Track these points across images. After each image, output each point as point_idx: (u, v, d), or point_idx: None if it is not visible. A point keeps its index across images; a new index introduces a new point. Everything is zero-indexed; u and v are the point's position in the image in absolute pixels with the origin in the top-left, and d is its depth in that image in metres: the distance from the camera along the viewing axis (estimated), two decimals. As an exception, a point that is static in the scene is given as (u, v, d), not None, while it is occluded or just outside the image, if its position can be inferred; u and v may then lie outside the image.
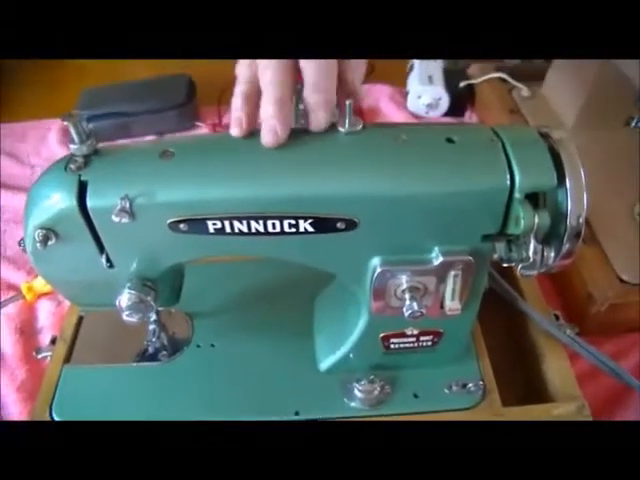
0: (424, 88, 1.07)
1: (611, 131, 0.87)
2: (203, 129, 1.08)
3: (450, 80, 1.08)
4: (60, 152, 1.03)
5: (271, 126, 0.44)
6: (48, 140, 1.09)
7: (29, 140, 1.11)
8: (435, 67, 1.10)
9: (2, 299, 0.79)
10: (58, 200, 0.45)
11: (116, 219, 0.44)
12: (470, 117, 1.10)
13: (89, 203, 0.44)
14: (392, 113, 1.11)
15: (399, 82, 1.15)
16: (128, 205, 0.44)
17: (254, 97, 0.46)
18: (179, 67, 1.07)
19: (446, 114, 1.09)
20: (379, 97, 1.15)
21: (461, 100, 1.08)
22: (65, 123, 0.43)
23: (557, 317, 0.65)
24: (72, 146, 0.45)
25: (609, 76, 0.84)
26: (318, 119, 0.45)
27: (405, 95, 1.11)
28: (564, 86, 0.95)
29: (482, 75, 1.07)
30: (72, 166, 0.45)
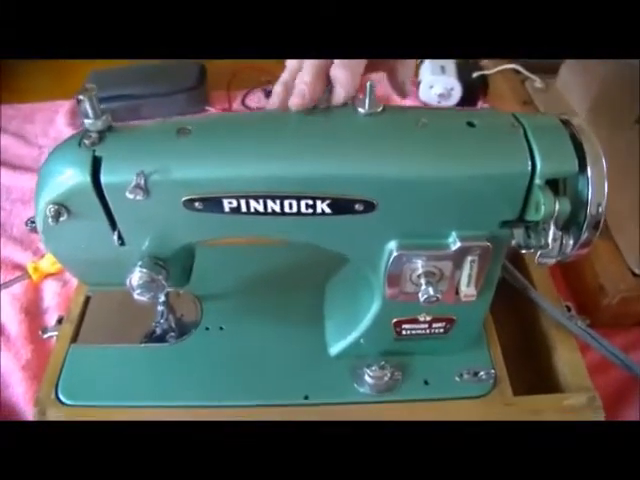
0: (436, 78, 1.06)
1: (623, 127, 0.87)
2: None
3: (463, 70, 1.07)
4: (68, 133, 1.02)
5: (301, 90, 0.45)
6: (56, 122, 1.09)
7: (37, 121, 1.10)
8: (448, 56, 1.09)
9: (8, 279, 0.79)
10: (71, 175, 0.44)
11: (130, 196, 0.43)
12: (482, 108, 1.09)
13: (103, 179, 0.44)
14: (403, 102, 1.10)
15: (411, 71, 1.14)
16: (143, 181, 0.43)
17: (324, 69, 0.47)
18: (190, 52, 1.06)
19: (458, 104, 1.07)
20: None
21: (473, 91, 1.08)
22: (80, 97, 0.43)
23: (569, 308, 0.65)
24: (87, 121, 0.44)
25: (622, 72, 0.84)
26: (339, 93, 0.46)
27: (417, 84, 1.10)
28: (577, 80, 0.94)
29: (495, 66, 1.06)
30: (86, 141, 0.45)
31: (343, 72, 0.45)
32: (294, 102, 0.46)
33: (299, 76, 0.46)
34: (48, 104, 1.12)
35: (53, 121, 1.09)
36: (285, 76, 0.49)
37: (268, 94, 1.12)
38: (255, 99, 1.13)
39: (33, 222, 0.51)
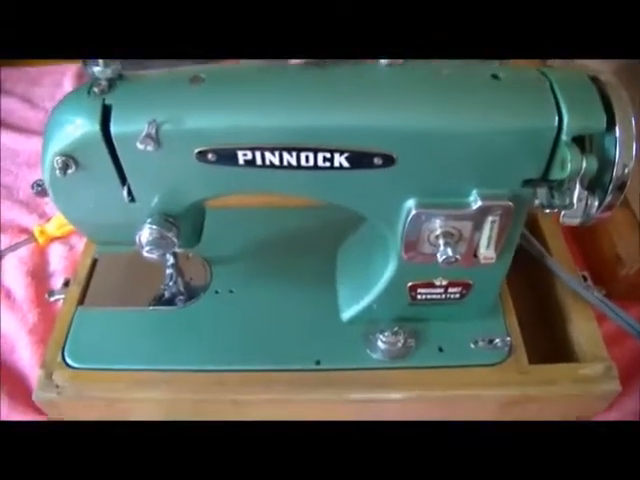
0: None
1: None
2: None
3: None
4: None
5: None
6: (63, 85, 1.08)
7: (44, 84, 1.09)
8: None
9: (14, 242, 0.79)
10: (80, 125, 0.43)
11: (141, 146, 0.42)
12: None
13: (113, 128, 0.43)
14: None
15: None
16: (154, 131, 0.41)
17: None
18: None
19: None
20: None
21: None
22: None
23: (585, 278, 0.64)
24: (96, 68, 0.43)
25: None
26: None
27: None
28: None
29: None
30: (95, 89, 0.43)
31: None
32: None
33: None
34: (55, 67, 1.10)
35: (60, 84, 1.08)
36: None
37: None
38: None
39: (39, 185, 0.50)
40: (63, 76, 1.09)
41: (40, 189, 0.65)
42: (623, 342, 0.65)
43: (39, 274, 0.76)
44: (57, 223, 0.79)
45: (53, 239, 0.79)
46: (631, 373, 0.63)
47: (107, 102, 0.43)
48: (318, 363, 0.56)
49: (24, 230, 0.81)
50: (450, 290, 0.55)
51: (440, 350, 0.57)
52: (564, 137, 0.42)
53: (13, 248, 0.78)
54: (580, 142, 0.43)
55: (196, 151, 0.43)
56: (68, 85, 1.07)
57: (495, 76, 0.44)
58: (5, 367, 0.66)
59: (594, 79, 0.44)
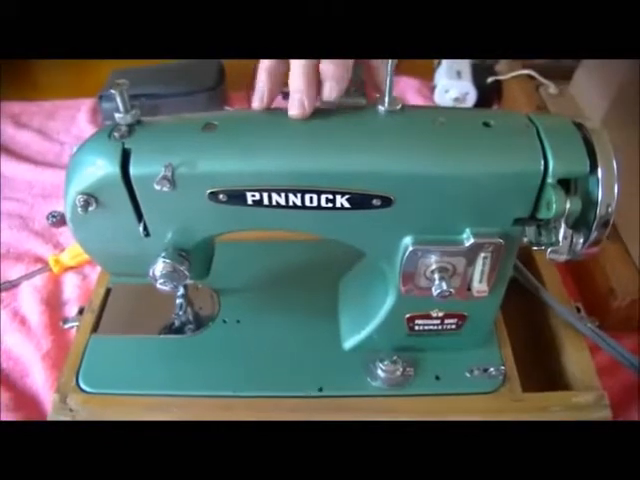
0: (452, 82, 1.07)
1: (636, 132, 0.87)
2: (231, 114, 1.09)
3: (478, 75, 1.09)
4: (89, 130, 1.05)
5: (299, 100, 0.46)
6: (77, 119, 1.11)
7: (59, 118, 1.12)
8: (463, 62, 1.11)
9: (30, 271, 0.81)
10: (101, 166, 0.46)
11: (158, 187, 0.45)
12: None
13: (132, 170, 0.46)
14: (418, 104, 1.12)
15: (426, 75, 1.17)
16: (170, 174, 0.45)
17: (278, 72, 0.47)
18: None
19: (472, 109, 1.09)
20: (406, 90, 1.16)
21: (488, 95, 1.09)
22: (112, 91, 0.44)
23: (578, 309, 0.66)
24: (117, 115, 0.46)
25: (636, 78, 0.84)
26: (331, 89, 0.46)
27: (432, 89, 1.11)
28: (592, 85, 0.95)
29: (510, 72, 1.07)
30: (116, 134, 0.46)
31: (334, 67, 0.45)
32: (294, 114, 0.46)
33: (291, 83, 0.46)
34: (70, 102, 1.14)
35: (75, 118, 1.12)
36: (263, 80, 0.48)
37: (285, 95, 1.13)
38: (272, 100, 1.15)
39: (54, 216, 0.52)
40: (77, 111, 1.12)
41: (55, 220, 0.67)
42: (616, 372, 0.66)
43: (53, 302, 0.77)
44: (71, 253, 0.81)
45: (67, 269, 0.81)
46: (623, 402, 0.64)
47: (127, 146, 0.46)
48: (321, 390, 0.58)
49: (39, 259, 0.83)
50: (446, 321, 0.57)
51: (437, 378, 0.59)
52: (550, 180, 0.45)
53: (29, 276, 0.80)
54: (565, 184, 0.46)
55: (208, 192, 0.46)
56: (82, 119, 1.10)
57: (486, 124, 0.46)
58: (19, 390, 0.68)
59: (579, 125, 0.47)
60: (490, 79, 1.08)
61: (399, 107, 0.47)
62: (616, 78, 0.88)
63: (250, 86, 1.10)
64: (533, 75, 1.05)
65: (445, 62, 1.11)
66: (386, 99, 0.46)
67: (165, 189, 0.45)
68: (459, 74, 1.08)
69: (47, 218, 0.52)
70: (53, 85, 1.21)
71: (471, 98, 1.08)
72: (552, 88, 1.02)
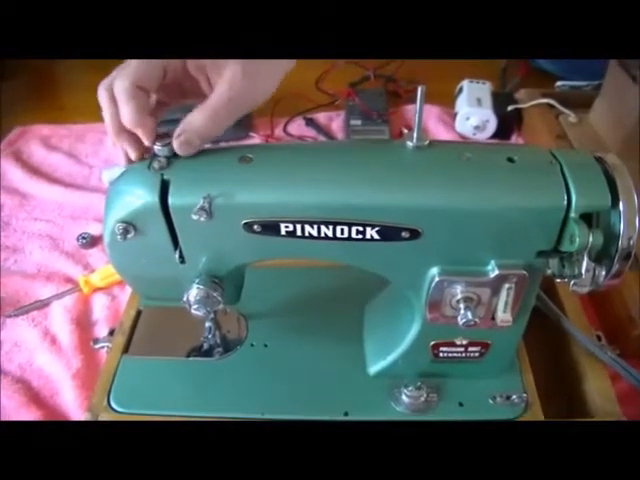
0: (473, 110, 1.09)
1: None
2: (256, 139, 1.11)
3: (498, 103, 1.10)
4: (117, 154, 1.07)
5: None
6: (105, 143, 1.14)
7: (87, 141, 1.15)
8: (484, 90, 1.13)
9: (60, 291, 0.83)
10: (141, 196, 0.48)
11: (195, 217, 0.47)
12: (516, 141, 1.12)
13: (171, 201, 0.48)
14: (440, 133, 1.14)
15: (447, 103, 1.18)
16: (208, 205, 0.47)
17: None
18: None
19: (493, 137, 1.11)
20: (428, 117, 1.17)
21: (508, 124, 1.11)
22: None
23: (599, 338, 0.66)
24: (156, 147, 0.48)
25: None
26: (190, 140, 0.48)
27: (453, 116, 1.13)
28: (611, 114, 0.96)
29: (530, 100, 1.09)
30: (155, 165, 0.49)
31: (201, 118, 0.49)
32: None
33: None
34: (98, 125, 1.16)
35: (102, 141, 1.14)
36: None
37: (308, 122, 1.16)
38: (296, 126, 1.18)
39: (84, 238, 0.54)
40: (105, 134, 1.13)
41: (85, 242, 0.69)
42: (635, 400, 0.66)
43: (83, 322, 0.79)
44: (101, 275, 0.83)
45: (96, 289, 0.83)
46: (643, 430, 0.65)
47: (165, 177, 0.48)
48: (346, 414, 0.59)
49: (69, 279, 0.85)
50: (470, 349, 0.58)
51: (460, 405, 0.60)
52: (572, 214, 0.46)
53: (59, 296, 0.82)
54: (588, 218, 0.47)
55: (243, 222, 0.48)
56: (110, 143, 1.12)
57: (510, 159, 0.48)
58: (49, 409, 0.69)
59: (600, 160, 0.48)
60: (510, 107, 1.10)
61: (427, 143, 0.49)
62: (634, 106, 0.89)
63: (274, 112, 1.14)
64: (553, 104, 1.06)
65: (466, 90, 1.13)
66: (414, 135, 0.48)
67: (202, 219, 0.47)
68: (479, 101, 1.10)
69: (77, 239, 0.54)
70: (82, 108, 1.23)
71: (491, 126, 1.09)
72: (572, 117, 1.03)
